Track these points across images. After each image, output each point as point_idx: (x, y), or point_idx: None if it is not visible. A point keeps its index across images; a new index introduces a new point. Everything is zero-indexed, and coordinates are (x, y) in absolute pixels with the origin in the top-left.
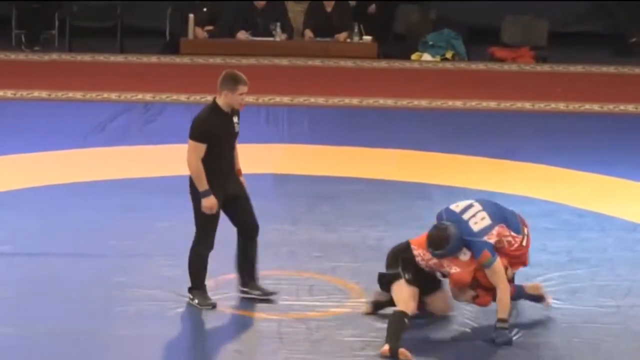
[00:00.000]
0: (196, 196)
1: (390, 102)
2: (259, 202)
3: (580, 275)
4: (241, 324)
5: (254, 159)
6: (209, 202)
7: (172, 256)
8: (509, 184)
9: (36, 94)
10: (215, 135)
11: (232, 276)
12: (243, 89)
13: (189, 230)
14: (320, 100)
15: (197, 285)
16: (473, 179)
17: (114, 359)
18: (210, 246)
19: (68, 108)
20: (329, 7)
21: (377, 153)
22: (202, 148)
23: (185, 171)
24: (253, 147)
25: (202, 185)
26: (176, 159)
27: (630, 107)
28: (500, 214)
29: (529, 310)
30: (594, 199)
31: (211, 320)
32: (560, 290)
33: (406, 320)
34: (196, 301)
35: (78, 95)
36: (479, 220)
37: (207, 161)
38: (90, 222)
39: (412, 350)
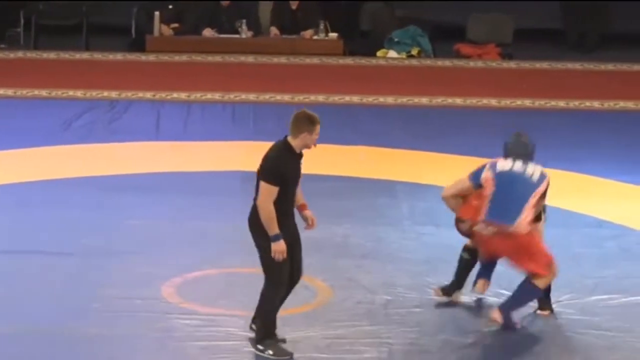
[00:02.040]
0: (265, 240)
1: (356, 99)
2: (226, 200)
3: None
4: (209, 322)
5: (220, 156)
6: (281, 247)
7: (144, 254)
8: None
9: (1, 92)
10: (288, 177)
11: (200, 273)
12: (319, 128)
13: (160, 227)
14: (286, 98)
15: (270, 334)
16: (439, 176)
17: (85, 358)
18: (283, 291)
19: (34, 106)
20: (294, 5)
21: (343, 150)
22: (275, 191)
23: (150, 169)
24: (219, 145)
25: (274, 229)
26: (142, 157)
27: (596, 104)
28: None
29: (490, 305)
30: (559, 196)
31: (181, 319)
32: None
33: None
34: (271, 352)
35: (44, 93)
36: None
37: (274, 203)
38: (59, 220)
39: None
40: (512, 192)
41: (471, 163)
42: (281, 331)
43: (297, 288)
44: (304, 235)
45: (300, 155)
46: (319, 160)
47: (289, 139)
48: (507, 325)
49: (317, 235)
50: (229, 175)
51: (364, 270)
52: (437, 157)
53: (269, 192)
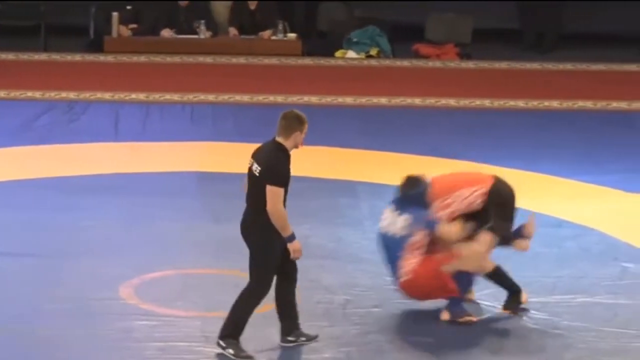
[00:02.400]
0: (264, 241)
1: (315, 99)
2: (184, 200)
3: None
4: (166, 323)
5: (178, 157)
6: (298, 245)
7: (102, 255)
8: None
9: None
10: (289, 179)
11: (158, 274)
12: (307, 127)
13: (118, 228)
14: (245, 98)
15: (236, 334)
16: (398, 176)
17: (41, 359)
18: (266, 294)
19: None
20: (252, 5)
21: (303, 150)
22: (282, 192)
23: (109, 170)
24: (178, 145)
25: (288, 230)
26: (101, 157)
27: (554, 103)
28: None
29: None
30: (519, 196)
31: (137, 319)
32: (485, 288)
33: None
34: (231, 351)
35: (2, 94)
36: None
37: None
38: (16, 221)
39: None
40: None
41: (431, 163)
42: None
43: None
44: None
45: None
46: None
47: (280, 140)
48: (455, 321)
49: None
50: (187, 176)
51: (325, 270)
52: (396, 157)
53: (278, 195)
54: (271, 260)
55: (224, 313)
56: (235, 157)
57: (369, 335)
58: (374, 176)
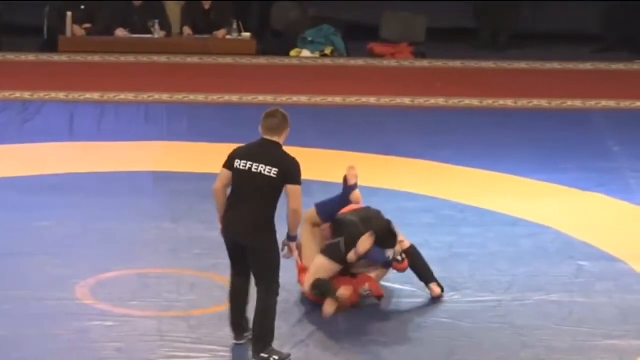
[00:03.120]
0: (271, 243)
1: (269, 98)
2: (139, 200)
3: (461, 271)
4: (122, 323)
5: (133, 156)
6: (294, 246)
7: (57, 255)
8: (389, 179)
9: None
10: None
11: (113, 274)
12: None
13: (72, 228)
14: (200, 97)
15: (272, 341)
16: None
17: None
18: None
19: None
20: (206, 4)
21: None
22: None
23: (63, 169)
24: (132, 145)
25: (297, 230)
26: (55, 157)
27: (509, 102)
28: None
29: (406, 305)
30: (475, 194)
31: (93, 319)
32: (443, 286)
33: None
34: (276, 358)
35: None
36: None
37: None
38: None
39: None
40: None
41: (386, 162)
42: (196, 332)
43: (211, 288)
44: (218, 234)
45: None
46: None
47: (275, 139)
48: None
49: None
50: (143, 176)
51: (280, 269)
52: (352, 157)
53: (301, 195)
54: (279, 260)
55: (180, 312)
56: (191, 157)
57: (327, 335)
58: (329, 175)
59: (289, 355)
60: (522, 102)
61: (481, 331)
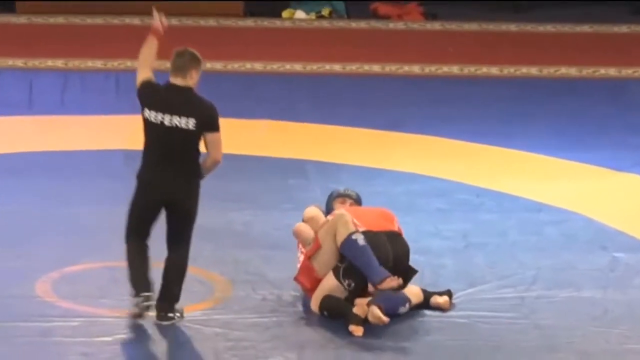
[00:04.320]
0: (197, 204)
1: (258, 66)
2: (109, 182)
3: (477, 264)
4: (89, 323)
5: (102, 133)
6: None
7: (15, 246)
8: (395, 159)
9: None
10: None
11: (79, 267)
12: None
13: (33, 215)
14: None
15: (177, 300)
16: (354, 154)
17: None
18: None
19: None
20: None
21: (244, 124)
22: None
23: (22, 148)
24: (101, 120)
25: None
26: (13, 134)
27: (533, 70)
28: None
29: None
30: (493, 176)
31: (55, 319)
32: (455, 281)
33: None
34: (179, 315)
35: None
36: None
37: (197, 151)
38: None
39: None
40: None
41: (392, 139)
42: (173, 332)
43: (191, 283)
44: (198, 221)
45: None
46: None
47: (185, 83)
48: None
49: (213, 222)
50: (112, 155)
51: (270, 262)
52: (351, 132)
53: (221, 142)
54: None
55: (151, 312)
56: None
57: (321, 336)
58: (327, 154)
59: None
60: (548, 71)
61: (501, 333)
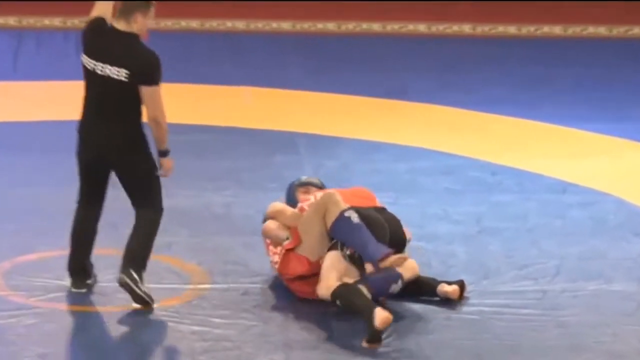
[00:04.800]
0: (148, 161)
1: (240, 24)
2: (70, 158)
3: (492, 252)
4: (46, 319)
5: (61, 100)
6: (171, 163)
7: None
8: (398, 131)
9: None
10: None
11: (34, 256)
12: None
13: None
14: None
15: (144, 269)
16: (350, 126)
17: None
18: None
19: None
20: None
21: (224, 92)
22: None
23: None
24: (59, 86)
25: (166, 141)
26: None
27: (556, 29)
28: None
29: (422, 300)
30: (511, 151)
31: (7, 315)
32: (467, 272)
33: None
34: (146, 292)
35: None
36: None
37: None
38: None
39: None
40: None
41: (394, 109)
42: (143, 333)
43: (163, 274)
44: (172, 203)
45: None
46: (190, 104)
47: (131, 26)
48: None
49: (188, 204)
50: (73, 127)
51: (253, 250)
52: (348, 101)
53: (161, 96)
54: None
55: (122, 306)
56: None
57: (310, 335)
58: (320, 126)
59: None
60: (573, 30)
61: (519, 331)
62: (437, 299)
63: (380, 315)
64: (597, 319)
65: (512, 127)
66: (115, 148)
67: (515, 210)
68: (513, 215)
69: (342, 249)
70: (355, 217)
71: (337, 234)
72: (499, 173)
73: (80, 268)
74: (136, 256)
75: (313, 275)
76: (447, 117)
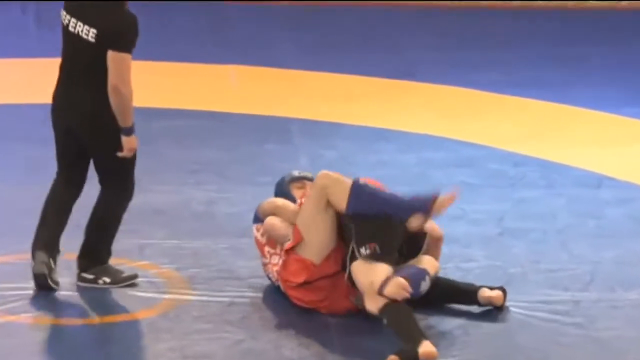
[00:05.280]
0: (115, 136)
1: None
2: (27, 148)
3: (516, 256)
4: (5, 334)
5: (17, 82)
6: (135, 141)
7: None
8: (407, 117)
9: None
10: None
11: None
12: None
13: None
14: None
15: (107, 258)
16: (352, 111)
17: None
18: None
19: None
20: None
21: (207, 71)
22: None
23: None
24: (16, 64)
25: (131, 119)
26: None
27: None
28: None
29: (438, 311)
30: (536, 139)
31: None
32: (487, 279)
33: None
34: (107, 280)
35: None
36: None
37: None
38: None
39: None
40: None
41: (401, 90)
42: (111, 346)
43: (140, 283)
44: (146, 200)
45: None
46: (167, 85)
47: None
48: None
49: (165, 201)
50: (33, 111)
51: (240, 254)
52: (350, 81)
53: (129, 65)
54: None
55: (89, 318)
56: None
57: (304, 349)
58: (316, 111)
59: (133, 276)
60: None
61: (547, 347)
62: (476, 307)
63: (427, 349)
64: (638, 334)
65: (538, 112)
66: (81, 116)
67: (542, 207)
68: (540, 213)
69: (359, 253)
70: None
71: (361, 207)
72: (522, 164)
73: (43, 246)
74: (91, 250)
75: (319, 279)
76: (463, 100)
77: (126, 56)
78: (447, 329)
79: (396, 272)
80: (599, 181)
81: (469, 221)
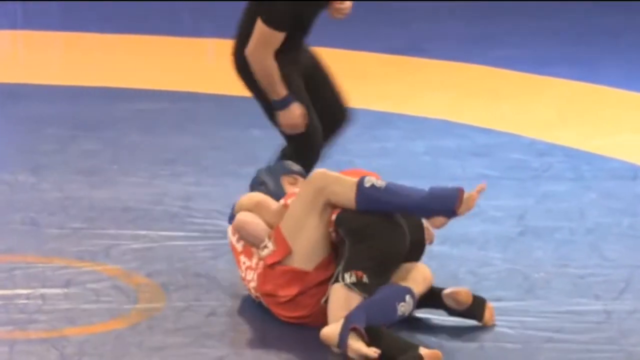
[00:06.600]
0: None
1: None
2: None
3: (539, 260)
4: None
5: None
6: (292, 115)
7: None
8: (416, 99)
9: None
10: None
11: None
12: None
13: None
14: None
15: None
16: (358, 90)
17: None
18: None
19: None
20: None
21: (186, 45)
22: (278, 40)
23: None
24: None
25: (275, 90)
26: None
27: None
28: None
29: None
30: (563, 125)
31: None
32: (505, 286)
33: None
34: None
35: None
36: None
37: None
38: None
39: None
40: None
41: (411, 68)
42: None
43: (106, 290)
44: (113, 195)
45: None
46: (136, 62)
47: None
48: None
49: (133, 195)
50: None
51: (221, 257)
52: (350, 58)
53: (269, 41)
54: None
55: (47, 332)
56: (70, 59)
57: None
58: None
59: None
60: None
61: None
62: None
63: (429, 351)
64: None
65: (565, 93)
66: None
67: (570, 204)
68: (567, 210)
69: (342, 278)
70: (378, 181)
71: (374, 205)
72: (546, 153)
73: None
74: None
75: (310, 288)
76: (479, 80)
77: (266, 30)
78: (460, 344)
79: (358, 308)
80: (635, 173)
81: (485, 219)
